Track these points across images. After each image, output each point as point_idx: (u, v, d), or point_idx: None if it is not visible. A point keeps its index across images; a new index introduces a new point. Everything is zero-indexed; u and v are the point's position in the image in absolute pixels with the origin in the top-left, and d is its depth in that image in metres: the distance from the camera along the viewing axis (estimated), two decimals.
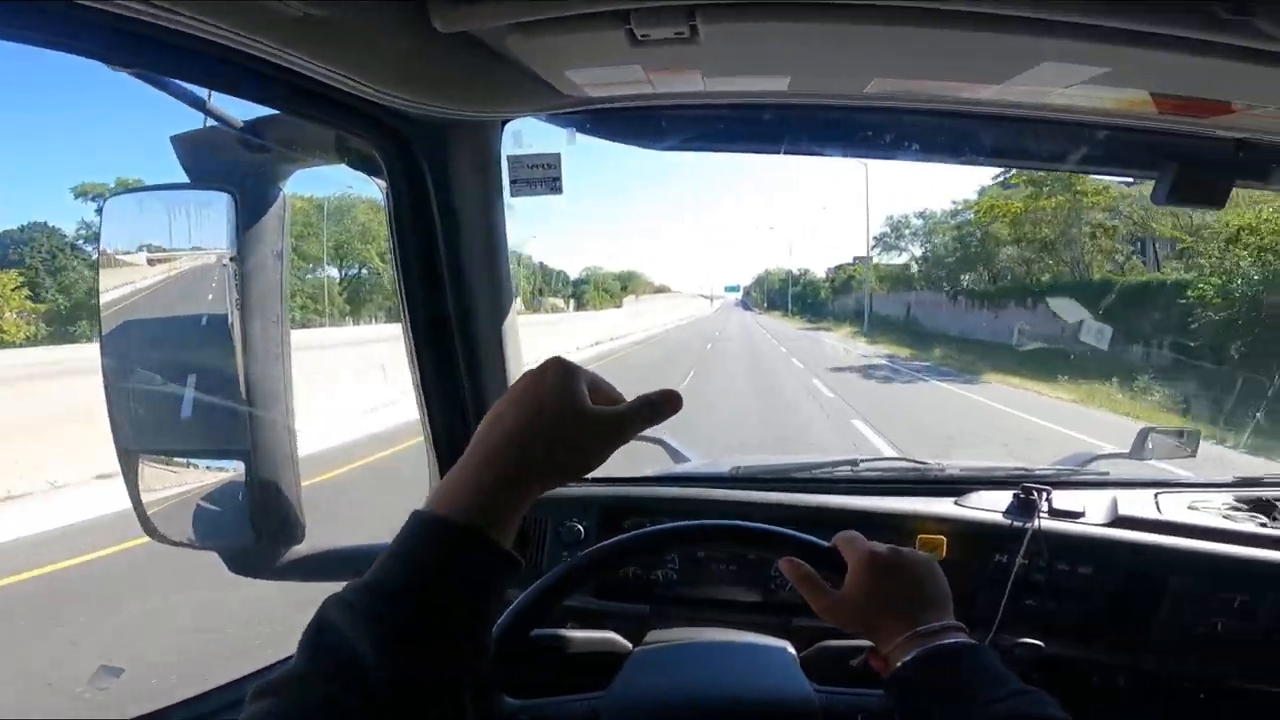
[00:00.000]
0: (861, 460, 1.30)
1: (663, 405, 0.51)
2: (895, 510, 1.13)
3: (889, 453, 5.11)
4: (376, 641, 0.40)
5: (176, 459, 0.91)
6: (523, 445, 0.46)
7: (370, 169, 0.90)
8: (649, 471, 1.35)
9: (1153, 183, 1.01)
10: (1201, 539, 1.04)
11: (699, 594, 1.16)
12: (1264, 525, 1.07)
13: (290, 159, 0.87)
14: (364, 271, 23.05)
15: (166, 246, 0.86)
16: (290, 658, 0.41)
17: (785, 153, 1.13)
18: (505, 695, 0.76)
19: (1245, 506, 1.13)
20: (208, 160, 0.83)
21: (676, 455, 1.49)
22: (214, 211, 0.82)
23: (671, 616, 1.11)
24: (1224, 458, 4.91)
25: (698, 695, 0.78)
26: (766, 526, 0.73)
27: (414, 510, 0.45)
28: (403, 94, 0.78)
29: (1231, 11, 0.58)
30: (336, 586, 0.44)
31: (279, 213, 0.84)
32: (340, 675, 0.39)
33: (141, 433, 0.89)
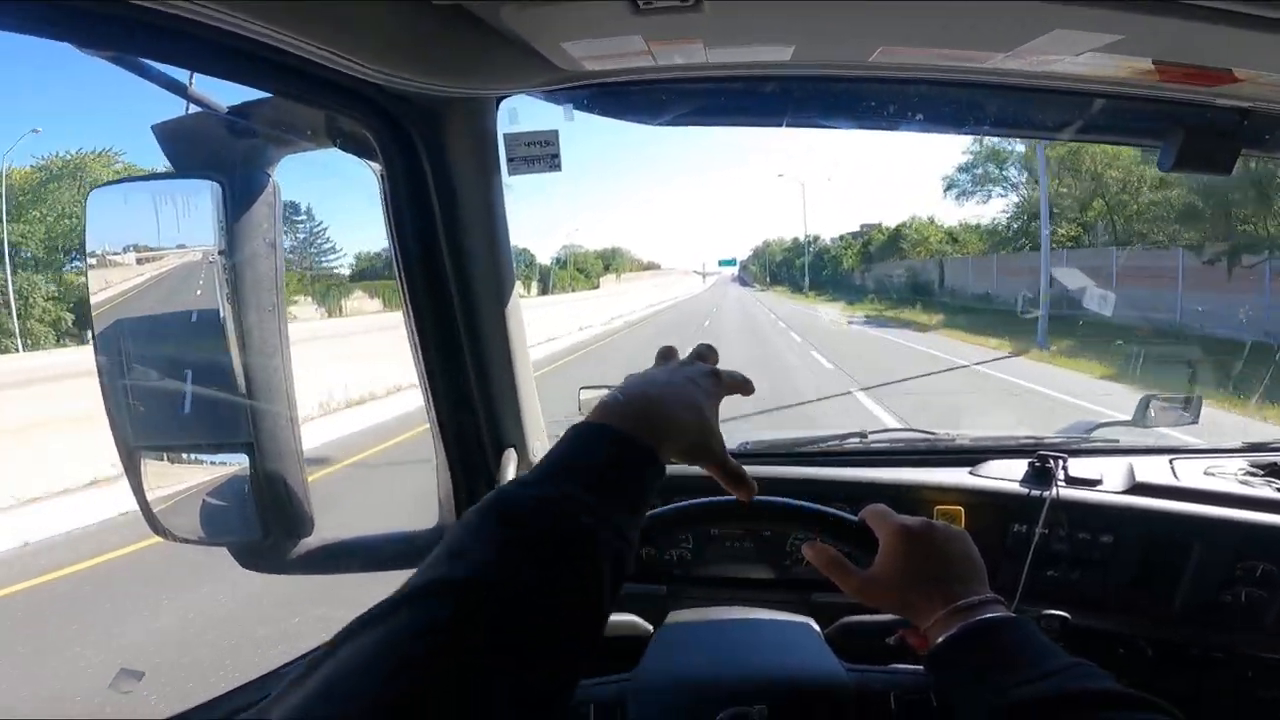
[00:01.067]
0: (870, 432, 1.29)
1: (738, 484, 0.63)
2: (909, 481, 1.11)
3: None
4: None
5: (179, 454, 0.89)
6: (664, 411, 0.53)
7: (363, 152, 0.87)
8: None
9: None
10: (1220, 505, 1.02)
11: (714, 572, 1.16)
12: None
13: (279, 143, 0.84)
14: None
15: (154, 239, 0.83)
16: (303, 656, 0.40)
17: (788, 125, 1.11)
18: None
19: (1260, 472, 1.11)
20: (192, 148, 0.79)
21: None
22: (202, 201, 0.78)
23: (688, 596, 1.10)
24: None
25: (726, 675, 0.75)
26: (793, 502, 0.70)
27: (575, 424, 0.49)
28: (395, 71, 0.75)
29: None
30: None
31: (269, 200, 0.80)
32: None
33: (142, 429, 0.86)
